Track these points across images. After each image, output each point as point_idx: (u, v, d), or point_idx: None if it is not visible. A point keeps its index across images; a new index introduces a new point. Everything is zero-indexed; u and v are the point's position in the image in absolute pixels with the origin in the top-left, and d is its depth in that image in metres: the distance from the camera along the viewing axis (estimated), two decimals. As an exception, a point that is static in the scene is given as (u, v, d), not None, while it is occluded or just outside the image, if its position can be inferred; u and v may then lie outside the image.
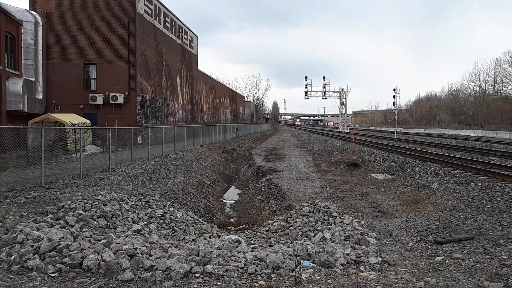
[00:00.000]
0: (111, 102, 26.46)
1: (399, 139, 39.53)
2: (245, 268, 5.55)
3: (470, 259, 6.04)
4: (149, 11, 29.86)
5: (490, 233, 7.28)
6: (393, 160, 19.75)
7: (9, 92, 22.77)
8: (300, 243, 7.36)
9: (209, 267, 5.41)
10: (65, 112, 24.36)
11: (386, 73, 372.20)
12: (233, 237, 9.06)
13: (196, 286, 4.92)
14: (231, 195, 18.39)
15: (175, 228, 9.76)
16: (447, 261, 6.09)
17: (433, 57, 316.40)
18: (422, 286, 5.01)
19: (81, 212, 8.26)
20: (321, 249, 6.19)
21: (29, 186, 11.31)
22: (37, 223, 7.08)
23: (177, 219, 10.33)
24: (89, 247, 5.93)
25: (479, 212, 9.01)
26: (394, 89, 55.40)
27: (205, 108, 50.52)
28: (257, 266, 5.61)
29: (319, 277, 5.30)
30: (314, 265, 5.79)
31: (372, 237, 7.65)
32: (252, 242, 9.29)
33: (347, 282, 5.18)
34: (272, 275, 5.35)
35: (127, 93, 26.97)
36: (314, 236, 8.48)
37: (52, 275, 5.14)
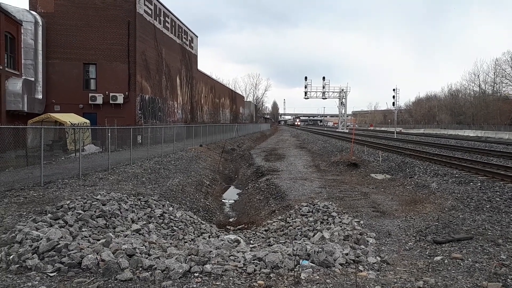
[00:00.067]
0: (111, 102, 26.45)
1: (399, 139, 39.55)
2: (244, 268, 5.55)
3: (469, 259, 6.05)
4: (149, 11, 29.86)
5: (489, 233, 7.28)
6: (392, 160, 19.76)
7: (9, 92, 22.76)
8: (299, 243, 7.37)
9: (208, 266, 5.41)
10: (65, 112, 24.36)
11: (386, 73, 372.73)
12: (232, 236, 9.06)
13: (195, 285, 4.92)
14: (231, 195, 18.39)
15: (174, 227, 9.76)
16: (446, 261, 6.09)
17: (433, 57, 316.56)
18: (421, 285, 5.02)
19: (80, 211, 8.26)
20: (320, 249, 6.19)
21: (28, 186, 11.31)
22: (36, 223, 7.08)
23: (176, 219, 10.34)
24: (88, 247, 5.93)
25: (478, 212, 9.02)
26: (393, 89, 55.46)
27: (205, 108, 50.52)
28: (256, 266, 5.61)
29: (318, 277, 5.30)
30: (313, 264, 5.79)
31: (371, 237, 7.65)
32: (251, 241, 9.30)
33: (346, 281, 5.18)
34: (271, 275, 5.35)
35: (126, 93, 26.96)
36: (313, 236, 8.49)
37: (51, 274, 5.14)
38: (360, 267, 5.90)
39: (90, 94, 26.44)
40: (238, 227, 11.50)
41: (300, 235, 9.04)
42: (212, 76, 61.78)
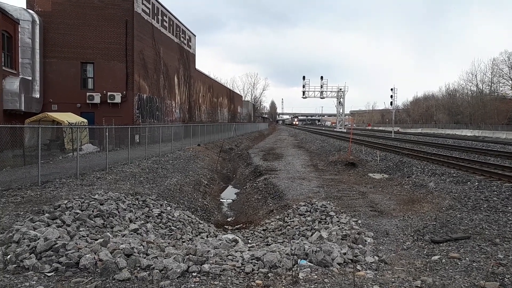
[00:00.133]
0: (109, 101, 26.39)
1: (396, 139, 39.61)
2: (242, 268, 5.55)
3: (467, 258, 6.06)
4: (147, 10, 29.80)
5: (487, 233, 7.31)
6: (390, 160, 19.80)
7: (6, 91, 22.67)
8: (297, 243, 7.37)
9: (206, 266, 5.41)
10: (62, 111, 24.26)
11: (385, 73, 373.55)
12: (230, 236, 9.07)
13: (193, 285, 4.91)
14: (229, 194, 18.39)
15: (172, 227, 9.75)
16: (443, 260, 6.11)
17: (433, 57, 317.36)
18: (419, 285, 5.03)
19: (77, 211, 8.24)
20: (318, 248, 6.20)
21: (25, 185, 11.27)
22: (34, 223, 7.06)
23: (174, 219, 10.33)
24: (85, 247, 5.92)
25: (476, 211, 9.05)
26: (391, 89, 55.54)
27: (203, 108, 50.47)
28: (254, 266, 5.62)
29: (316, 276, 5.31)
30: (311, 264, 5.80)
31: (369, 237, 7.66)
32: (249, 241, 9.30)
33: (344, 281, 5.19)
34: (269, 274, 5.35)
35: (124, 92, 26.91)
36: (311, 235, 8.49)
37: (49, 274, 5.12)
38: (358, 267, 5.91)
39: (87, 93, 26.37)
40: (236, 226, 11.49)
41: (298, 235, 9.04)
42: (210, 76, 61.77)
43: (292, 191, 13.77)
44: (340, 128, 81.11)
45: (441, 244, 6.93)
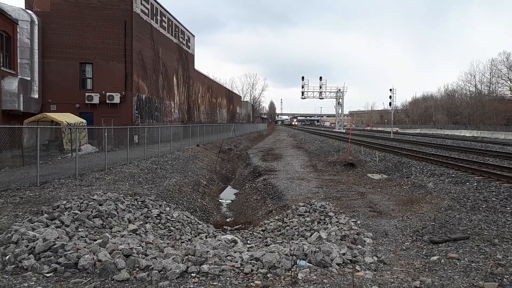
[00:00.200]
0: (107, 101, 26.37)
1: (395, 139, 39.65)
2: (241, 268, 5.55)
3: (465, 259, 6.07)
4: (146, 11, 29.78)
5: (485, 233, 7.32)
6: (389, 160, 19.81)
7: (5, 92, 22.64)
8: (296, 243, 7.37)
9: (205, 267, 5.40)
10: (61, 112, 24.24)
11: (384, 73, 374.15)
12: (229, 237, 9.06)
13: (192, 286, 4.91)
14: (228, 195, 18.38)
15: (171, 228, 9.74)
16: (442, 261, 6.11)
17: (432, 58, 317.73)
18: (418, 285, 5.03)
19: (76, 212, 8.23)
20: (317, 249, 6.20)
21: (24, 186, 11.25)
22: (32, 223, 7.05)
23: (173, 219, 10.31)
24: (84, 247, 5.91)
25: (475, 212, 9.06)
26: (390, 89, 55.62)
27: (202, 108, 50.46)
28: (253, 266, 5.61)
29: (315, 277, 5.31)
30: (310, 264, 5.80)
31: (368, 237, 7.66)
32: (249, 242, 9.29)
33: (343, 281, 5.19)
34: (268, 275, 5.35)
35: (123, 92, 26.88)
36: (310, 235, 8.49)
37: (47, 275, 5.11)
38: (357, 267, 5.91)
39: (86, 94, 26.34)
40: (235, 227, 11.49)
41: (297, 235, 9.04)
42: (209, 76, 61.77)
43: (291, 191, 13.77)
44: (339, 129, 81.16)
45: (440, 245, 6.93)
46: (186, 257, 5.77)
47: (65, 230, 6.94)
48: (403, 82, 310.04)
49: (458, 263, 5.92)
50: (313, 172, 18.93)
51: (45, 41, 26.03)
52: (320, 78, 79.51)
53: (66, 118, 21.99)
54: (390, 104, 58.09)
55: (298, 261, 5.84)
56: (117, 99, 26.43)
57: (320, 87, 79.66)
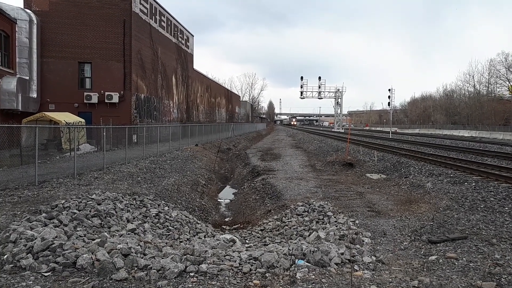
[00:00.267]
0: (106, 101, 26.33)
1: (394, 139, 39.70)
2: (240, 268, 5.55)
3: (464, 259, 6.08)
4: (145, 10, 29.75)
5: (484, 233, 7.33)
6: (387, 160, 19.83)
7: (3, 91, 22.60)
8: (295, 243, 7.38)
9: (203, 266, 5.40)
10: (60, 111, 24.21)
11: (383, 73, 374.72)
12: (228, 236, 9.06)
13: (190, 285, 4.91)
14: (226, 194, 18.38)
15: (170, 227, 9.74)
16: (440, 261, 6.12)
17: (432, 58, 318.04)
18: (416, 285, 5.04)
19: (75, 211, 8.22)
20: (315, 249, 6.20)
21: (22, 185, 11.24)
22: (31, 222, 7.04)
23: (172, 219, 10.31)
24: (83, 246, 5.90)
25: (473, 212, 9.07)
26: (389, 90, 55.68)
27: (201, 108, 50.43)
28: (251, 266, 5.61)
29: (313, 276, 5.31)
30: (309, 264, 5.80)
31: (366, 237, 7.67)
32: (247, 241, 9.30)
33: (342, 281, 5.19)
34: (267, 274, 5.35)
35: (122, 92, 26.86)
36: (309, 235, 8.50)
37: (46, 274, 5.10)
38: (356, 267, 5.92)
39: (85, 93, 26.29)
40: (233, 226, 11.49)
41: (295, 235, 9.05)
42: (208, 76, 61.73)
43: (290, 191, 13.78)
44: (338, 129, 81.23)
45: (438, 244, 6.95)
46: (185, 256, 5.77)
47: (63, 229, 6.93)
48: (402, 82, 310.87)
49: (456, 263, 5.94)
50: (312, 172, 18.94)
51: (44, 40, 25.98)
52: (319, 78, 79.69)
53: (65, 117, 21.97)
54: (389, 104, 58.16)
55: (296, 261, 5.84)
56: (115, 98, 26.39)
57: (319, 87, 79.77)
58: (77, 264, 5.30)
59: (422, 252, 6.74)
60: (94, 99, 26.16)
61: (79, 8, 26.38)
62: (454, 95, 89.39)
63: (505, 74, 69.90)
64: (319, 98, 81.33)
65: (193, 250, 6.11)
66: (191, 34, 45.64)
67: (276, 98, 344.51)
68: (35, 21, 25.13)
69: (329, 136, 48.79)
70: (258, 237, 9.69)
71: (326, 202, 11.07)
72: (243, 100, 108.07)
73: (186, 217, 11.03)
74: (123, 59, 27.00)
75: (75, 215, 7.96)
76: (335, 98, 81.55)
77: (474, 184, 12.42)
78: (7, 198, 9.62)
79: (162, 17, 34.29)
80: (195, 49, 47.38)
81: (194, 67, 46.97)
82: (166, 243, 7.68)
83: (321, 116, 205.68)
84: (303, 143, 40.30)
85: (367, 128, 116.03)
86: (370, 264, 6.12)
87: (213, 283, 4.99)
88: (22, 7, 25.60)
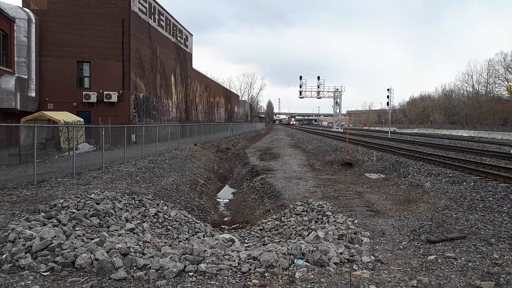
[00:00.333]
0: (105, 100, 26.31)
1: (393, 139, 39.72)
2: (239, 267, 5.55)
3: (462, 258, 6.09)
4: (144, 9, 29.72)
5: (482, 232, 7.34)
6: (386, 160, 19.85)
7: (1, 90, 22.55)
8: (294, 242, 7.38)
9: (202, 266, 5.40)
10: (58, 110, 24.17)
11: (384, 73, 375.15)
12: (227, 236, 9.06)
13: (189, 285, 4.90)
14: (225, 194, 18.38)
15: (169, 227, 9.73)
16: (439, 260, 6.13)
17: (431, 57, 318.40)
18: (415, 284, 5.04)
19: (73, 210, 8.21)
20: (314, 248, 6.20)
21: (21, 185, 11.22)
22: (29, 222, 7.03)
23: (171, 218, 10.30)
24: (81, 246, 5.90)
25: (471, 211, 9.09)
26: (388, 89, 55.73)
27: (200, 107, 50.41)
28: (250, 265, 5.61)
29: (312, 276, 5.31)
30: (308, 264, 5.80)
31: (365, 236, 7.68)
32: (246, 241, 9.29)
33: (341, 280, 5.20)
34: (266, 274, 5.35)
35: (121, 91, 26.83)
36: (308, 235, 8.50)
37: (44, 274, 5.10)
38: (355, 266, 5.92)
39: (84, 92, 26.26)
40: (232, 226, 11.49)
41: (294, 234, 9.05)
42: (207, 75, 61.70)
43: (289, 190, 13.78)
44: (337, 128, 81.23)
45: (437, 244, 6.96)
46: (184, 256, 5.77)
47: (62, 229, 6.92)
48: (401, 82, 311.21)
49: (455, 263, 5.94)
50: (311, 171, 18.94)
51: (43, 39, 25.94)
52: (318, 77, 79.64)
53: (64, 116, 21.93)
54: (387, 103, 58.21)
55: (295, 260, 5.84)
56: (114, 97, 26.36)
57: (318, 87, 79.75)
58: (76, 263, 5.30)
59: (421, 252, 6.74)
60: (93, 98, 26.13)
61: (77, 7, 26.34)
62: (453, 95, 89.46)
63: (503, 74, 70.06)
64: (318, 98, 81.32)
65: (192, 250, 6.10)
66: (190, 34, 45.60)
67: (275, 97, 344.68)
68: (34, 20, 25.09)
69: (328, 135, 48.81)
70: (257, 237, 9.69)
71: (325, 202, 11.07)
72: (242, 99, 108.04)
73: (185, 216, 11.02)
74: (122, 58, 26.97)
75: (74, 214, 7.95)
76: (334, 98, 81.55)
77: (472, 184, 12.44)
78: (5, 197, 9.61)
79: (161, 16, 34.26)
80: (194, 49, 47.36)
81: (193, 66, 46.95)
82: (165, 242, 7.68)
83: (320, 116, 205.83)
84: (302, 143, 40.31)
85: (366, 127, 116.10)
86: (369, 264, 6.12)
87: (212, 282, 4.98)
88: (21, 6, 25.56)
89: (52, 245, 5.72)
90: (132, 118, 27.52)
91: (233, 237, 8.93)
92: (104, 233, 7.13)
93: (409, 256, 6.63)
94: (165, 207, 11.05)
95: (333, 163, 20.85)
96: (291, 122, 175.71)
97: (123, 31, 26.88)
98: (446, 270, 5.68)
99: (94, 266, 5.25)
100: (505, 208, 9.16)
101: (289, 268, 5.43)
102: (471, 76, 78.85)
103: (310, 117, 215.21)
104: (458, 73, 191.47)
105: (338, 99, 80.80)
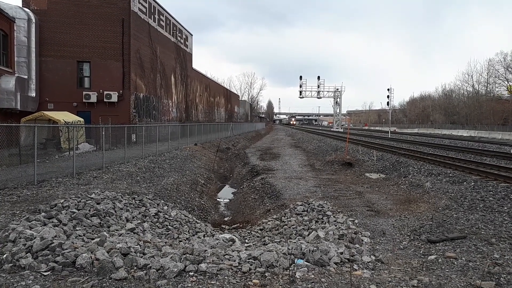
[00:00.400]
0: (105, 100, 26.31)
1: (393, 139, 39.71)
2: (239, 267, 5.55)
3: (463, 258, 6.09)
4: (144, 9, 29.72)
5: (483, 232, 7.34)
6: (386, 160, 19.84)
7: (2, 90, 22.55)
8: (294, 242, 7.38)
9: (203, 265, 5.40)
10: (59, 110, 24.17)
11: (384, 73, 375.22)
12: (227, 236, 9.06)
13: (190, 285, 4.91)
14: (226, 194, 18.38)
15: (169, 227, 9.73)
16: (440, 260, 6.13)
17: (431, 57, 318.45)
18: (415, 284, 5.04)
19: (74, 210, 8.21)
20: (315, 248, 6.20)
21: (21, 185, 11.22)
22: (30, 222, 7.03)
23: (171, 218, 10.31)
24: (82, 246, 5.90)
25: (472, 211, 9.09)
26: (388, 89, 55.72)
27: (200, 107, 50.41)
28: (251, 265, 5.61)
29: (313, 276, 5.31)
30: (308, 263, 5.80)
31: (365, 236, 7.68)
32: (247, 241, 9.30)
33: (341, 280, 5.20)
34: (266, 274, 5.35)
35: (121, 91, 26.83)
36: (308, 235, 8.50)
37: (45, 273, 5.10)
38: (355, 266, 5.92)
39: (84, 92, 26.26)
40: (233, 226, 11.49)
41: (295, 234, 9.05)
42: (207, 75, 61.70)
43: (289, 190, 13.78)
44: (337, 128, 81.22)
45: (438, 244, 6.95)
46: (184, 256, 5.77)
47: (62, 228, 6.92)
48: (401, 82, 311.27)
49: (455, 262, 5.94)
50: (311, 171, 18.94)
51: (43, 39, 25.93)
52: (318, 77, 79.67)
53: (64, 116, 21.94)
54: (388, 103, 58.22)
55: (296, 260, 5.84)
56: (114, 97, 26.36)
57: (318, 87, 79.76)
58: (77, 263, 5.30)
59: (421, 252, 6.74)
60: (93, 98, 26.13)
61: (77, 7, 26.34)
62: (453, 95, 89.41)
63: (503, 74, 70.04)
64: (318, 98, 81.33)
65: (192, 250, 6.11)
66: (190, 34, 45.60)
67: (275, 97, 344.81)
68: (34, 20, 25.09)
69: (328, 135, 48.79)
70: (258, 237, 9.70)
71: (325, 202, 11.07)
72: (242, 99, 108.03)
73: (186, 216, 11.02)
74: (122, 58, 26.97)
75: (74, 214, 7.95)
76: (334, 98, 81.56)
77: (473, 183, 12.44)
78: (6, 197, 9.61)
79: (161, 16, 34.26)
80: (194, 49, 47.37)
81: (193, 66, 46.94)
82: (166, 242, 7.68)
83: (320, 116, 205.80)
84: (302, 143, 40.31)
85: (366, 127, 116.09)
86: (370, 264, 6.12)
87: (212, 282, 4.98)
88: (21, 6, 25.55)
89: (52, 245, 5.72)
90: (132, 118, 27.53)
91: (234, 237, 8.93)
92: (105, 233, 7.13)
93: (409, 256, 6.63)
94: (166, 207, 11.06)
95: (333, 163, 20.85)
96: (291, 122, 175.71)
97: (123, 31, 26.88)
98: (447, 270, 5.68)
99: (95, 266, 5.25)
100: (505, 208, 9.15)
101: (290, 268, 5.43)
102: (471, 76, 78.87)
103: (310, 117, 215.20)
104: (458, 73, 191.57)
105: (338, 99, 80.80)
